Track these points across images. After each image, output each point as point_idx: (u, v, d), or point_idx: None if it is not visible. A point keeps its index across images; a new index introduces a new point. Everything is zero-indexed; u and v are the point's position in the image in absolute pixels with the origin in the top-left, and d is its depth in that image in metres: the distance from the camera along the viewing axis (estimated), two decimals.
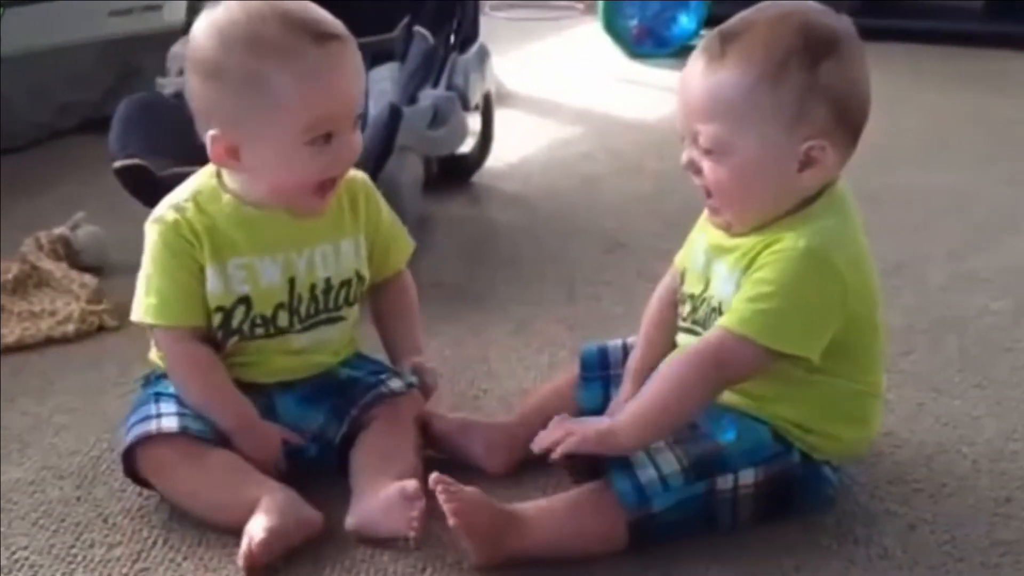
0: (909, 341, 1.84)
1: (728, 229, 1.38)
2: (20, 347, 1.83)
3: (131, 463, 1.40)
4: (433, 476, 1.27)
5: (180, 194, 1.45)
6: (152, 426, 1.39)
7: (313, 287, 1.45)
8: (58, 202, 2.41)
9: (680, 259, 1.47)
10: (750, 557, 1.33)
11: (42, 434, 1.58)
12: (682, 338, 1.43)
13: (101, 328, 1.89)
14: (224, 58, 1.36)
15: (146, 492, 1.43)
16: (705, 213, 1.42)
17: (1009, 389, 1.69)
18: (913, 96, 3.50)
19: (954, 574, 1.31)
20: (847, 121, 1.32)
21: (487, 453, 1.49)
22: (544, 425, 1.38)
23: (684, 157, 1.36)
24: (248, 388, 1.45)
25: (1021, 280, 2.09)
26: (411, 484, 1.32)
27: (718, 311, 1.36)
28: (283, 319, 1.45)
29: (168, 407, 1.41)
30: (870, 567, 1.32)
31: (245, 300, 1.43)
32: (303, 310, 1.46)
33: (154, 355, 1.49)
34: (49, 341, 1.86)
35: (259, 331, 1.44)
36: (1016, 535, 1.36)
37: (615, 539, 1.31)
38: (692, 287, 1.42)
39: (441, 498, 1.26)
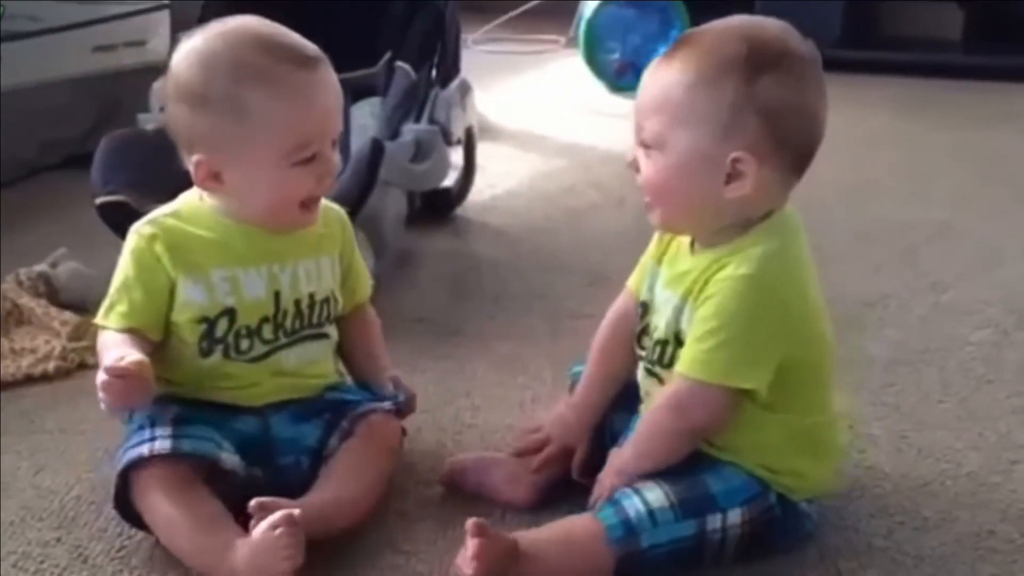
0: (892, 373, 1.84)
1: (661, 229, 1.40)
2: (0, 385, 1.82)
3: (124, 491, 1.39)
4: (471, 522, 1.26)
5: (164, 209, 1.48)
6: (145, 449, 1.37)
7: (298, 302, 1.47)
8: (39, 239, 2.40)
9: (633, 283, 1.48)
10: None
11: (22, 474, 1.57)
12: (640, 376, 1.44)
13: (83, 365, 1.88)
14: (207, 86, 1.38)
15: (127, 532, 1.42)
16: (654, 237, 1.44)
17: (991, 421, 1.70)
18: (894, 128, 3.53)
19: None
20: (784, 141, 1.30)
21: (510, 486, 1.49)
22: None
23: (629, 155, 1.38)
24: (243, 411, 1.46)
25: (1003, 311, 2.09)
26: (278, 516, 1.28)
27: (663, 343, 1.37)
28: (268, 331, 1.46)
29: (163, 430, 1.39)
30: None
31: (230, 312, 1.44)
32: (288, 324, 1.47)
33: None
34: (29, 379, 1.84)
35: (244, 343, 1.45)
36: (999, 568, 1.36)
37: (599, 555, 1.30)
38: (645, 318, 1.43)
39: (474, 545, 1.25)
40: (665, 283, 1.40)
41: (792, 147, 1.31)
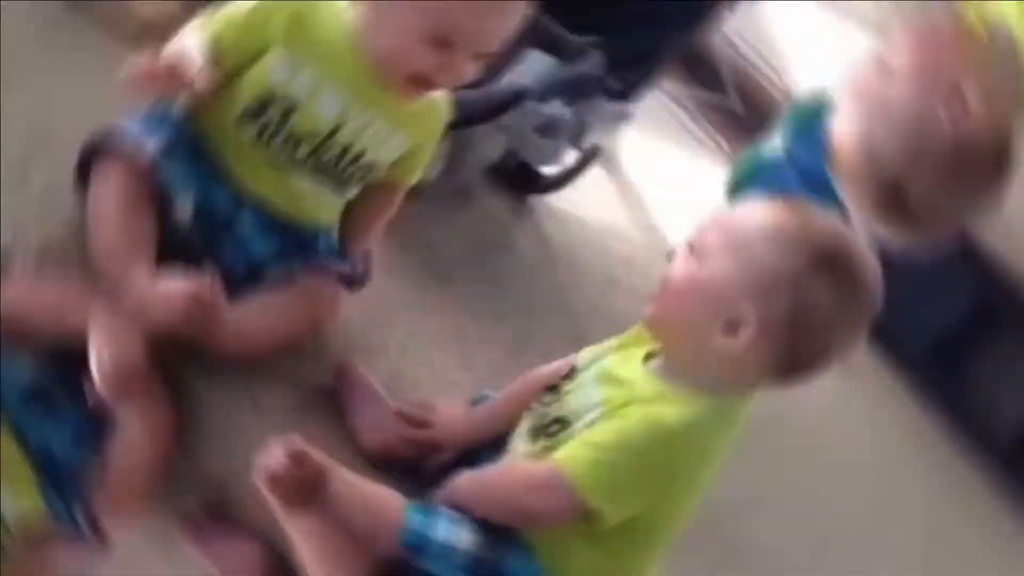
0: None
1: (645, 322, 1.41)
2: None
3: (90, 158, 1.40)
4: (288, 446, 1.26)
5: None
6: (129, 140, 1.39)
7: (346, 148, 1.47)
8: None
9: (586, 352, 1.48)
10: None
11: None
12: (524, 424, 1.45)
13: None
14: None
15: None
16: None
17: None
18: None
19: None
20: (794, 338, 1.30)
21: (371, 434, 1.50)
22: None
23: (675, 248, 1.38)
24: (229, 182, 1.46)
25: None
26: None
27: (562, 422, 1.37)
28: (304, 149, 1.46)
29: (158, 142, 1.41)
30: None
31: (291, 107, 1.43)
32: (324, 157, 1.47)
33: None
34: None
35: (278, 141, 1.44)
36: None
37: (386, 540, 1.31)
38: (567, 381, 1.44)
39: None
40: (600, 373, 1.39)
41: (796, 350, 1.31)
